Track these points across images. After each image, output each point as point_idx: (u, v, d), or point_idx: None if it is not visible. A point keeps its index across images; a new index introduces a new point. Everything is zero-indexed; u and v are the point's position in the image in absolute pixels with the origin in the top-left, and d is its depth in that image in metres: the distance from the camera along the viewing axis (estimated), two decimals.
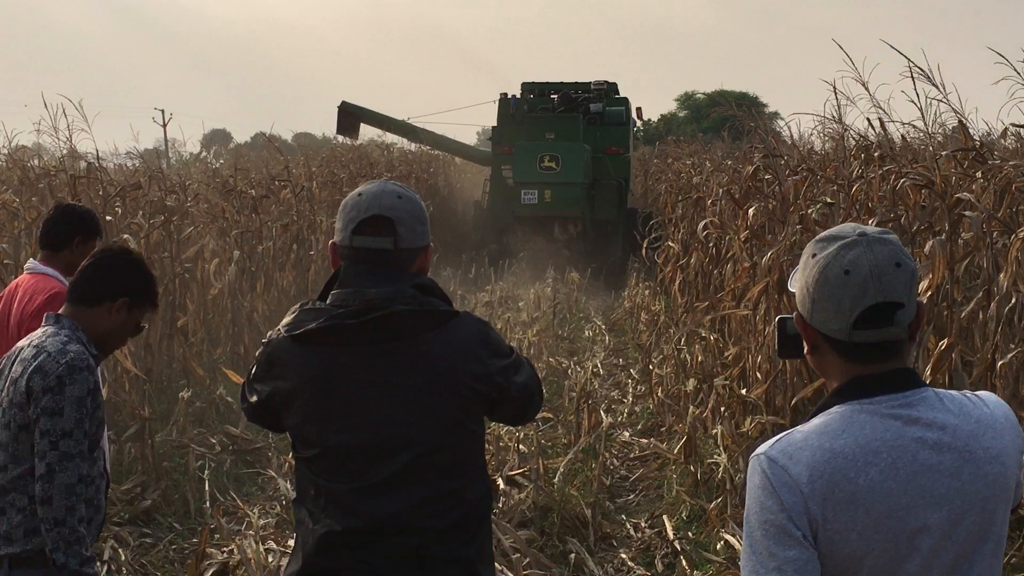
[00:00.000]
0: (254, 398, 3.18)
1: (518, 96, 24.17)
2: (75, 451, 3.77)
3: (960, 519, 2.36)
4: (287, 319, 3.13)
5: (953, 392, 2.49)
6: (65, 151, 12.45)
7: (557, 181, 21.60)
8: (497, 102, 24.11)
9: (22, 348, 3.98)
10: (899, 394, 2.41)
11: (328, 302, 3.09)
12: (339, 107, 26.53)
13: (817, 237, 2.53)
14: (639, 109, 25.08)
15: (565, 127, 22.64)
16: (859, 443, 2.36)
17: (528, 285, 19.07)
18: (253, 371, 3.21)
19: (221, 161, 25.64)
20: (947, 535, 2.36)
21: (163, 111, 55.63)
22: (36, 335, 4.01)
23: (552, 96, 24.20)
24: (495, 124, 24.16)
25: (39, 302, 5.59)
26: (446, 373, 3.05)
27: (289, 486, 8.01)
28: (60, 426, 3.76)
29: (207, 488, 8.31)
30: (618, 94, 24.77)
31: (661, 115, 61.50)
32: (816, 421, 2.44)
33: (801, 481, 2.35)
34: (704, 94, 64.44)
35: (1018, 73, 6.93)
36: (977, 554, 2.39)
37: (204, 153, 27.57)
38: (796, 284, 2.53)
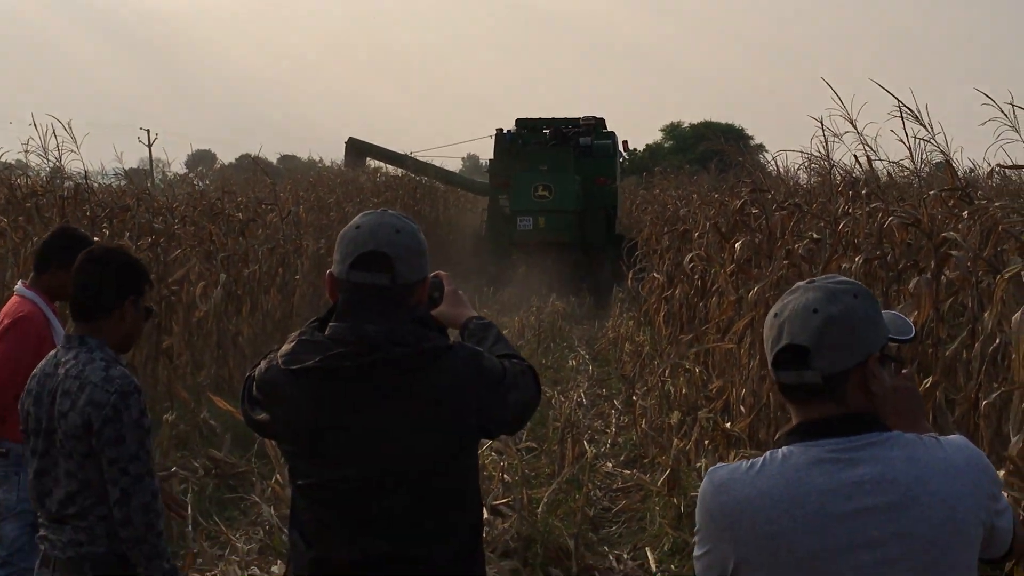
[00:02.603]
0: (258, 416, 3.18)
1: (513, 131, 25.33)
2: (144, 471, 3.97)
3: (896, 562, 2.38)
4: (286, 348, 3.10)
5: (911, 435, 2.50)
6: (49, 169, 12.44)
7: (550, 209, 23.24)
8: (493, 137, 25.38)
9: (61, 378, 4.06)
10: (845, 438, 2.44)
11: (327, 334, 3.09)
12: (347, 142, 29.02)
13: None
14: (625, 142, 26.75)
15: (557, 159, 24.05)
16: (790, 485, 2.41)
17: (514, 312, 19.10)
18: (254, 387, 3.19)
19: (207, 182, 25.64)
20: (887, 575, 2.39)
21: (148, 131, 55.37)
22: (70, 363, 4.08)
23: (544, 131, 25.40)
24: (491, 157, 25.51)
25: (5, 325, 5.65)
26: (442, 410, 3.05)
27: (273, 511, 7.99)
28: (126, 452, 3.94)
29: (190, 512, 8.26)
30: (605, 128, 25.95)
31: (647, 145, 61.59)
32: (762, 458, 2.50)
33: (725, 512, 2.45)
34: (690, 125, 64.67)
35: (1004, 115, 6.99)
36: None
37: (191, 175, 27.61)
38: None
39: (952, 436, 2.57)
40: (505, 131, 25.43)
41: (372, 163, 31.47)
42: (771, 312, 2.56)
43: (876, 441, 2.45)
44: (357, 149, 29.64)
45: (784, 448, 2.50)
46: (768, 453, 2.51)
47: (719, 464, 2.57)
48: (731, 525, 2.43)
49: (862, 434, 2.46)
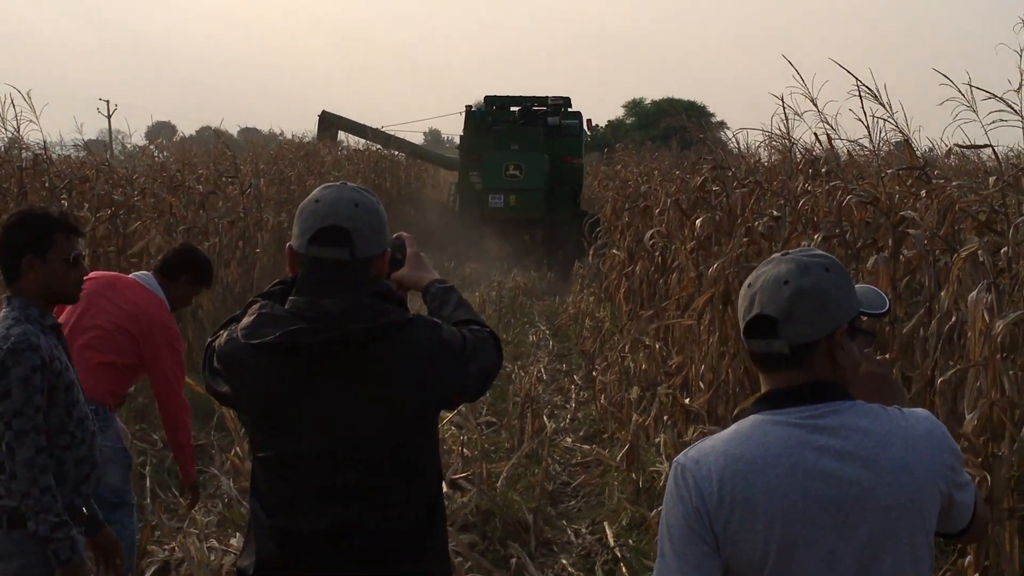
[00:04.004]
0: (220, 387, 3.18)
1: (482, 108, 26.10)
2: (28, 427, 3.99)
3: (859, 524, 2.44)
4: (246, 321, 3.09)
5: (875, 405, 2.56)
6: (7, 139, 12.34)
7: (521, 187, 24.02)
8: (463, 114, 26.03)
9: None
10: (810, 406, 2.51)
11: (287, 307, 3.09)
12: (320, 116, 30.07)
13: None
14: (588, 120, 27.13)
15: (528, 139, 24.89)
16: (760, 449, 2.47)
17: (475, 287, 19.13)
18: (215, 358, 3.18)
19: (165, 153, 25.48)
20: (846, 538, 2.44)
21: (108, 102, 55.17)
22: None
23: (512, 109, 26.14)
24: (461, 134, 26.25)
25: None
26: (402, 383, 3.06)
27: (232, 484, 7.99)
28: (10, 407, 3.98)
29: (148, 485, 8.25)
30: (571, 108, 26.55)
31: (609, 121, 61.65)
32: (730, 428, 2.57)
33: (705, 486, 2.47)
34: (652, 101, 64.76)
35: (962, 95, 7.02)
36: (882, 561, 2.46)
37: (151, 146, 27.43)
38: None
39: (916, 409, 2.63)
40: (474, 108, 26.02)
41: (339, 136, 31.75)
42: (746, 282, 2.61)
43: (840, 409, 2.51)
44: (330, 122, 30.46)
45: (753, 416, 2.56)
46: (738, 423, 2.57)
47: (685, 450, 2.61)
48: (711, 495, 2.46)
49: (827, 402, 2.51)
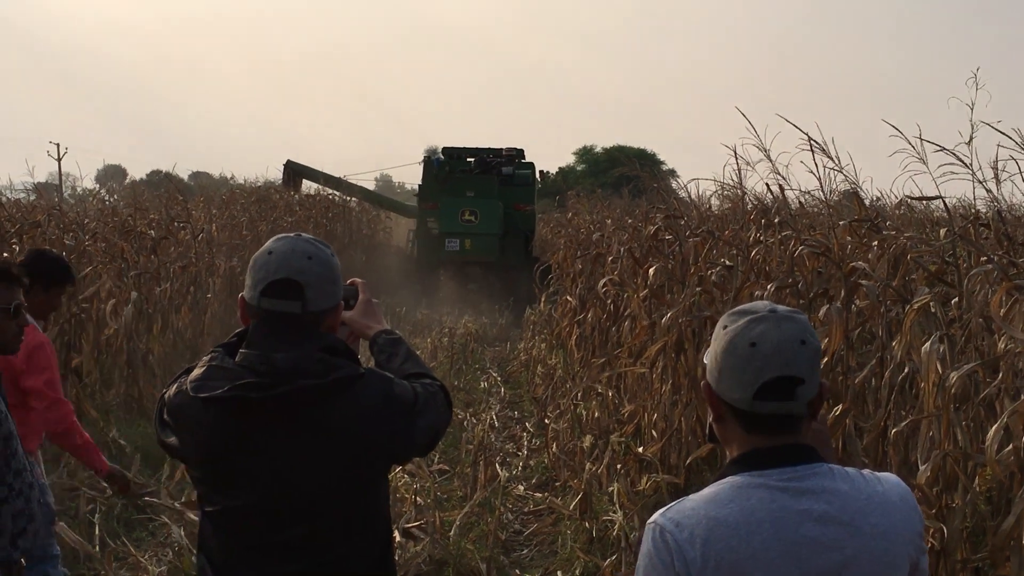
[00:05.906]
0: (168, 439, 3.16)
1: (440, 158, 27.20)
2: None
3: None
4: (196, 373, 3.07)
5: (850, 469, 2.55)
6: None
7: (476, 232, 25.34)
8: (422, 163, 27.21)
9: None
10: (791, 468, 2.48)
11: (236, 360, 3.07)
12: (285, 164, 31.48)
13: (731, 310, 2.62)
14: (542, 171, 28.95)
15: (483, 186, 26.16)
16: (744, 513, 2.43)
17: (427, 334, 19.11)
18: (164, 411, 3.15)
19: (115, 197, 25.35)
20: None
21: (58, 145, 54.93)
22: None
23: (469, 160, 27.43)
24: (420, 183, 27.30)
25: (26, 352, 5.71)
26: (351, 439, 3.04)
27: (182, 532, 7.91)
28: None
29: (97, 532, 8.15)
30: (524, 159, 27.88)
31: (560, 168, 62.02)
32: (709, 490, 2.51)
33: (688, 549, 2.42)
34: (603, 148, 65.19)
35: (912, 146, 7.11)
36: None
37: (101, 191, 27.28)
38: (708, 355, 2.60)
39: (887, 474, 2.62)
40: (432, 158, 27.12)
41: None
42: (741, 341, 2.50)
43: (820, 472, 2.49)
44: (294, 171, 31.58)
45: (732, 477, 2.51)
46: (716, 484, 2.52)
47: (660, 510, 2.55)
48: (694, 559, 2.42)
49: (807, 464, 2.50)
